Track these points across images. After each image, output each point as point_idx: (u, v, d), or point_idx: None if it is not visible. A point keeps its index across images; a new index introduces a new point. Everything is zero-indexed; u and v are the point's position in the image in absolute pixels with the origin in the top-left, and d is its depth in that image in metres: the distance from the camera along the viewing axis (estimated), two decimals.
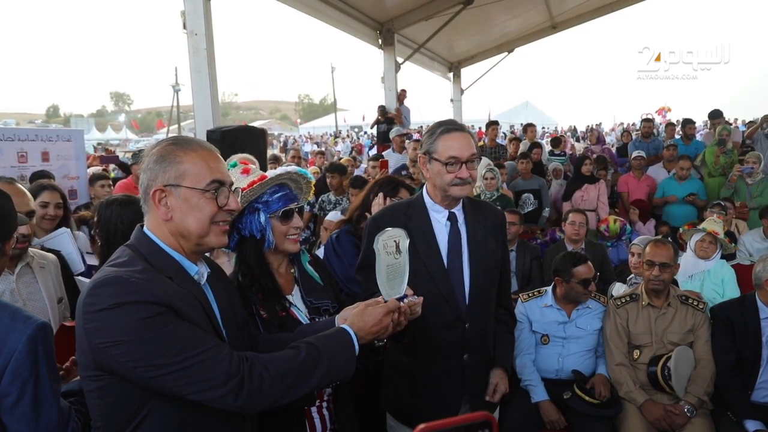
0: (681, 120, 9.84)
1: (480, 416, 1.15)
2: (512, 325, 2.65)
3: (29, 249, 2.57)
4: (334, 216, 5.07)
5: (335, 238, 3.16)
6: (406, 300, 1.77)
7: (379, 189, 3.11)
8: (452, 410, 2.34)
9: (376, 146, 12.54)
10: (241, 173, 2.05)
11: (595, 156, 9.31)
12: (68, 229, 3.55)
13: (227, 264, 2.42)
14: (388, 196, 3.06)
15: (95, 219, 2.78)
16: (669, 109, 31.73)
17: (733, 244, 4.72)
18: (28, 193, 2.58)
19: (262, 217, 2.00)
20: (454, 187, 2.20)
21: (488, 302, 2.38)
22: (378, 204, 3.03)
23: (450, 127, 2.24)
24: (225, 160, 1.67)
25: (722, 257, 4.38)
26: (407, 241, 1.81)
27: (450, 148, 2.18)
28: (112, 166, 8.57)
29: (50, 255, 2.73)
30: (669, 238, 4.62)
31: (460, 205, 2.33)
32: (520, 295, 3.83)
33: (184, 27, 6.63)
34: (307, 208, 6.55)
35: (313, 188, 2.24)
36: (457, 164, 2.17)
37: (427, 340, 2.22)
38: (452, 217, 2.31)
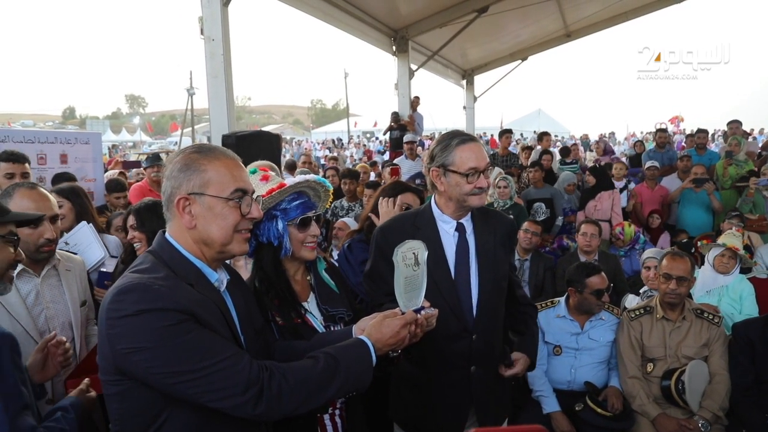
0: (694, 130, 9.77)
1: (535, 429, 1.16)
2: (534, 312, 2.64)
3: (56, 252, 2.59)
4: (349, 220, 5.08)
5: (347, 248, 3.17)
6: (423, 312, 1.77)
7: (383, 196, 3.10)
8: (459, 422, 2.34)
9: (388, 152, 12.56)
10: (260, 180, 2.06)
11: (603, 164, 9.26)
12: (89, 224, 3.62)
13: (243, 269, 2.44)
14: (386, 197, 3.03)
15: (135, 222, 2.94)
16: (682, 119, 31.53)
17: (753, 260, 4.65)
18: (52, 197, 2.60)
19: (280, 225, 2.01)
20: (473, 197, 2.21)
21: (496, 313, 2.37)
22: (385, 208, 2.98)
23: (464, 138, 2.24)
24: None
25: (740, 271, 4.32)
26: (426, 253, 1.81)
27: (469, 159, 2.18)
28: (135, 171, 8.65)
29: (77, 257, 2.77)
30: (686, 249, 4.57)
31: (469, 215, 2.33)
32: None
33: (202, 33, 6.71)
34: None
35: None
36: (476, 174, 2.18)
37: (434, 352, 2.21)
38: (460, 228, 2.30)
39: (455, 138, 2.24)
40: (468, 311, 2.26)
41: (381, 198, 3.03)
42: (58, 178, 4.87)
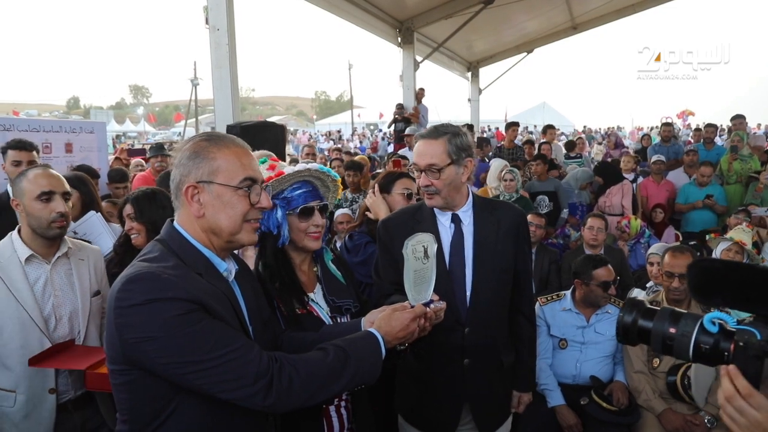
0: (703, 124, 9.71)
1: None
2: (531, 333, 2.56)
3: (68, 240, 2.54)
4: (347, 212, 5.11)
5: (348, 238, 3.19)
6: (432, 305, 1.76)
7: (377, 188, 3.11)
8: (453, 415, 2.32)
9: (393, 144, 12.56)
10: (267, 169, 2.05)
11: (611, 160, 9.21)
12: (98, 213, 3.62)
13: (252, 260, 2.43)
14: (383, 191, 3.05)
15: (133, 212, 2.85)
16: (691, 113, 31.36)
17: (761, 256, 4.63)
18: (62, 177, 2.52)
19: (279, 213, 2.00)
20: (424, 193, 2.23)
21: (496, 307, 2.33)
22: (370, 197, 3.05)
23: (423, 133, 2.24)
24: None
25: None
26: (435, 246, 1.80)
27: (414, 154, 2.21)
28: (134, 161, 8.60)
29: (94, 247, 2.70)
30: (688, 243, 4.55)
31: (468, 206, 2.30)
32: (539, 298, 3.80)
33: (207, 22, 6.68)
34: None
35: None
36: (419, 171, 2.18)
37: (428, 344, 2.19)
38: (455, 219, 2.29)
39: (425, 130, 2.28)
40: (461, 303, 2.24)
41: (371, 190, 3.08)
42: (78, 170, 4.86)
